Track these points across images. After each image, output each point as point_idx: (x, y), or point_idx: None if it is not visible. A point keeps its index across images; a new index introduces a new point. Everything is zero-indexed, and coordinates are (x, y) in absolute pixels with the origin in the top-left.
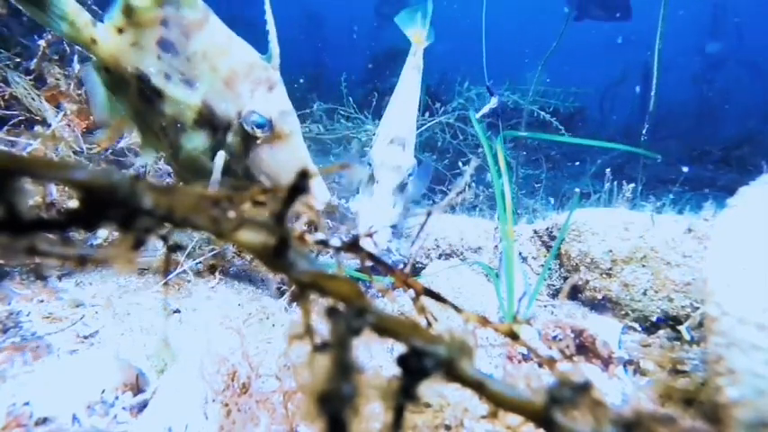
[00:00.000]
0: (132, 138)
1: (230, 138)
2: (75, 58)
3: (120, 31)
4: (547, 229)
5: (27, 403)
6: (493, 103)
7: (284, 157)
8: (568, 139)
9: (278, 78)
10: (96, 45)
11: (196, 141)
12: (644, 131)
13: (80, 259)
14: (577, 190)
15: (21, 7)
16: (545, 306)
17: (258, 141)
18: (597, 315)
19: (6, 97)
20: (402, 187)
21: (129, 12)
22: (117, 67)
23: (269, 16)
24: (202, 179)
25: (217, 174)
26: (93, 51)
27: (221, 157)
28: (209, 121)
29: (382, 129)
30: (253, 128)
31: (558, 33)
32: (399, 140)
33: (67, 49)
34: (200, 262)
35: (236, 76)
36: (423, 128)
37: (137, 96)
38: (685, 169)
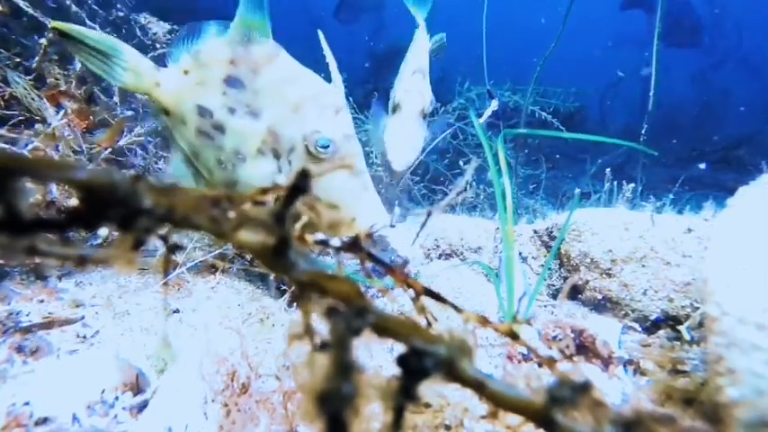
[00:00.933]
0: (132, 137)
1: (294, 161)
2: (76, 58)
3: (186, 72)
4: (547, 229)
5: (27, 403)
6: (494, 105)
7: (346, 181)
8: (568, 135)
9: (344, 104)
10: (159, 88)
11: (257, 169)
12: (643, 131)
13: (80, 259)
14: (577, 190)
15: (85, 65)
16: (545, 306)
17: (322, 163)
18: (597, 315)
19: (6, 97)
20: (424, 115)
21: (196, 55)
22: (177, 107)
23: (325, 46)
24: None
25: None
26: (155, 95)
27: (283, 178)
28: (272, 147)
29: (404, 66)
30: (317, 148)
31: (557, 34)
32: (421, 71)
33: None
34: (200, 262)
35: (303, 102)
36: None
37: (195, 134)
38: (702, 166)
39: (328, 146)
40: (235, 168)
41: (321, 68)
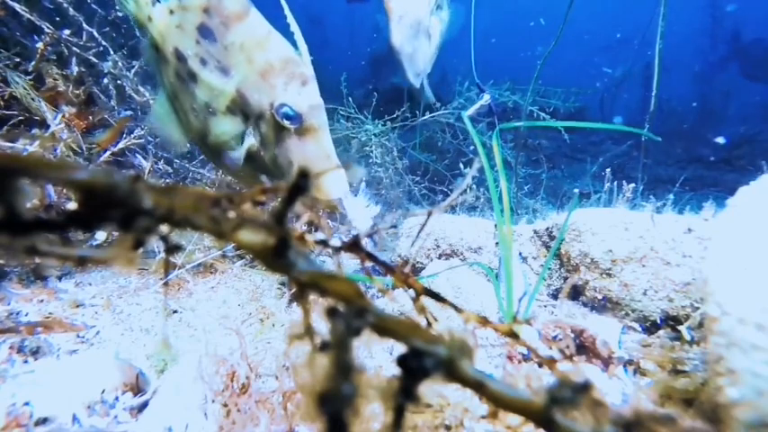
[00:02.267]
0: (132, 138)
1: (261, 126)
2: (74, 59)
3: (171, 12)
4: (547, 229)
5: (27, 403)
6: (485, 100)
7: (311, 148)
8: (573, 124)
9: (311, 74)
10: (151, 23)
11: (226, 127)
12: (644, 131)
13: (80, 260)
14: (577, 190)
15: None
16: (545, 306)
17: (288, 132)
18: (597, 315)
19: (6, 97)
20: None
21: None
22: (162, 45)
23: (289, 15)
24: (226, 161)
25: (241, 152)
26: (148, 29)
27: (248, 141)
28: (241, 109)
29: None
30: (283, 119)
31: (556, 34)
32: None
33: (65, 50)
34: (200, 262)
35: (271, 69)
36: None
37: (174, 76)
38: (721, 139)
39: (294, 117)
40: (206, 120)
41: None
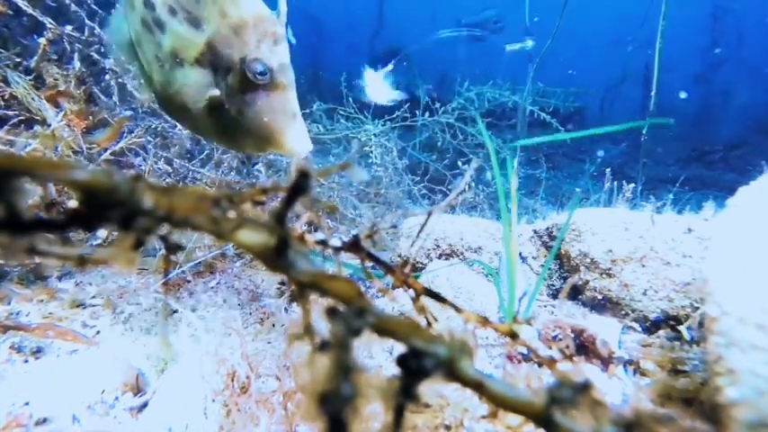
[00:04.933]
0: (132, 138)
1: (229, 79)
2: (76, 56)
3: None
4: (547, 229)
5: (27, 403)
6: (527, 44)
7: (277, 104)
8: (578, 134)
9: (283, 34)
10: None
11: (192, 78)
12: (644, 131)
13: (80, 259)
14: (578, 190)
15: None
16: (545, 306)
17: (256, 86)
18: (597, 315)
19: (6, 97)
20: None
21: None
22: None
23: None
24: (187, 114)
25: (203, 104)
26: None
27: (213, 92)
28: (210, 61)
29: None
30: (255, 75)
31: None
32: None
33: (67, 47)
34: (200, 262)
35: (245, 25)
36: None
37: (139, 22)
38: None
39: (266, 73)
40: (172, 70)
41: None
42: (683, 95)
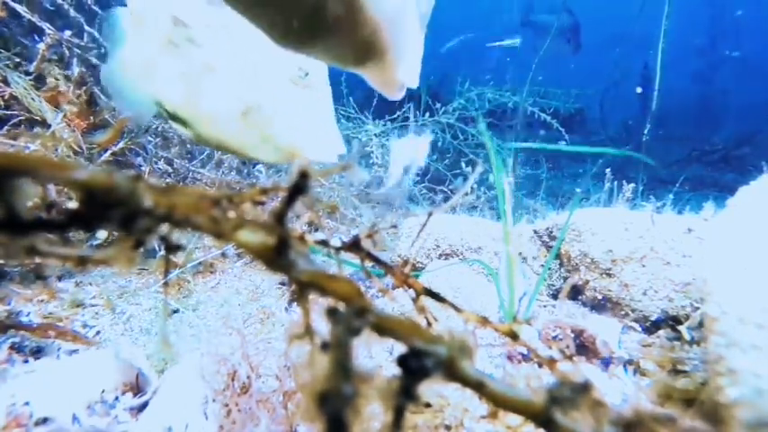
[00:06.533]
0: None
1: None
2: (75, 60)
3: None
4: (547, 229)
5: (27, 403)
6: (515, 42)
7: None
8: (567, 148)
9: None
10: None
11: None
12: (645, 131)
13: (80, 260)
14: (578, 190)
15: None
16: (545, 306)
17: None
18: (597, 315)
19: (6, 97)
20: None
21: None
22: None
23: None
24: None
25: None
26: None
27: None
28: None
29: None
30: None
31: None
32: None
33: (67, 51)
34: (200, 262)
35: None
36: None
37: (164, 42)
38: None
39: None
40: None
41: None
42: (638, 90)
